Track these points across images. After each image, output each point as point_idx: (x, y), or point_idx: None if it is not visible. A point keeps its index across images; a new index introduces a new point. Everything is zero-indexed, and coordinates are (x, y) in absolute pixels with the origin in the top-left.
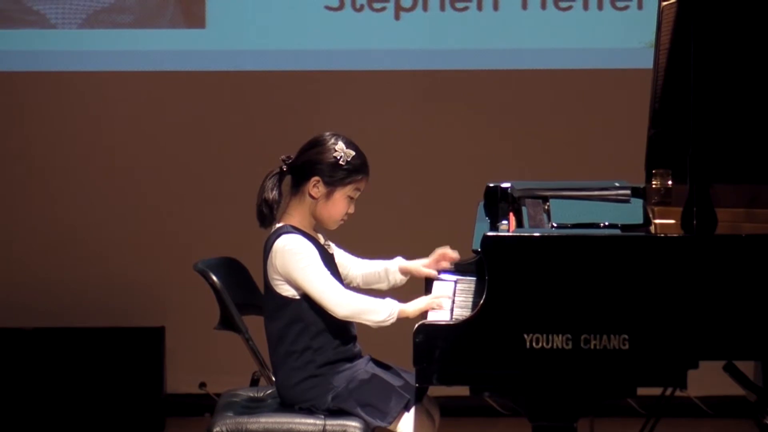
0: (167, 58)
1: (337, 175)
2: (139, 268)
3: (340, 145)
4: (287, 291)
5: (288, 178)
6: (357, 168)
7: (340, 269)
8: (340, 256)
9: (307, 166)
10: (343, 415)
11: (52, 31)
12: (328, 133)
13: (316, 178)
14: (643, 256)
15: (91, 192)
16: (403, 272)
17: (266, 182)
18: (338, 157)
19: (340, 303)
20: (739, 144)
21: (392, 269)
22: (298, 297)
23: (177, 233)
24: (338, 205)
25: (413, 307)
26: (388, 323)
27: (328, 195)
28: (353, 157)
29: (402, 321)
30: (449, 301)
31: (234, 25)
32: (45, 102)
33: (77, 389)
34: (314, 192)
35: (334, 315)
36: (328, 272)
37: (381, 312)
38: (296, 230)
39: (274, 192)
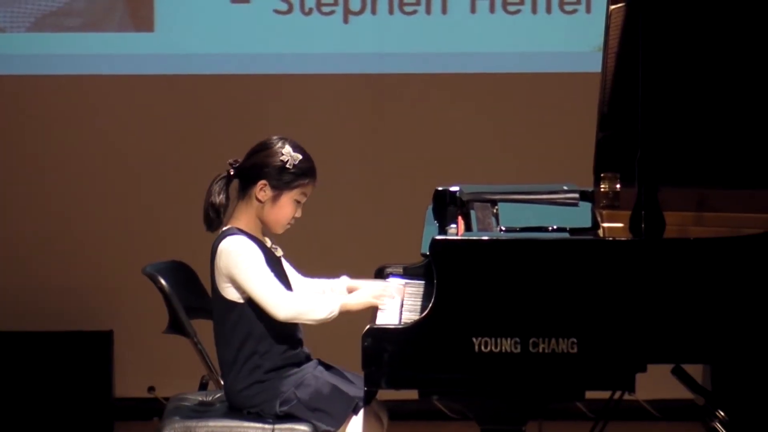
0: (115, 62)
1: (283, 179)
2: (87, 272)
3: (287, 149)
4: (232, 294)
5: (236, 182)
6: (304, 172)
7: None
8: (287, 269)
9: (254, 169)
10: (291, 419)
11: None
12: (275, 137)
13: (263, 181)
14: (591, 259)
15: (37, 196)
16: (349, 291)
17: (213, 186)
18: (285, 161)
19: (280, 305)
20: (688, 147)
21: (337, 289)
22: (242, 301)
23: (125, 237)
24: (285, 209)
25: (356, 300)
26: (329, 320)
27: (275, 199)
28: (300, 160)
29: (351, 324)
30: (396, 294)
31: (182, 28)
32: None
33: (24, 394)
34: (261, 195)
35: (274, 317)
36: (271, 274)
37: (321, 310)
38: (241, 232)
39: (221, 196)
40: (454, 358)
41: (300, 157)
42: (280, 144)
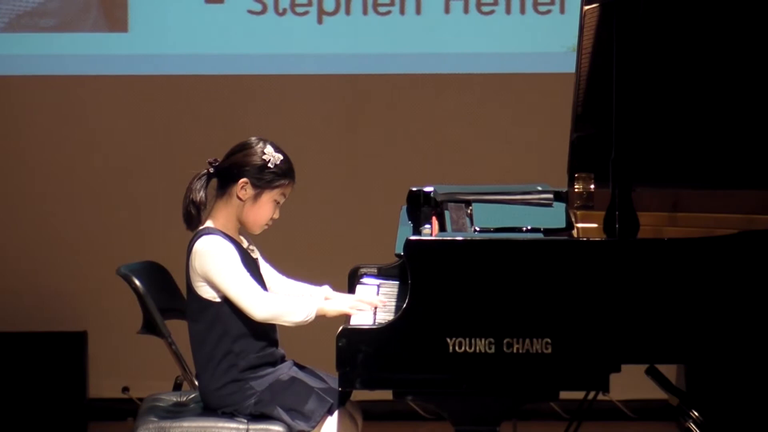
0: (90, 62)
1: (265, 178)
2: (61, 273)
3: (269, 149)
4: (208, 293)
5: (213, 182)
6: (284, 172)
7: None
8: (266, 270)
9: (234, 168)
10: (266, 419)
11: None
12: (254, 138)
13: (244, 179)
14: (565, 259)
15: (11, 196)
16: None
17: (194, 184)
18: (267, 160)
19: (257, 305)
20: (662, 148)
21: (316, 296)
22: (218, 300)
23: (99, 237)
24: (264, 209)
25: (332, 307)
26: (306, 323)
27: (256, 197)
28: (281, 161)
29: (326, 325)
30: (371, 306)
31: (157, 29)
32: None
33: None
34: (242, 194)
35: (251, 317)
36: (248, 274)
37: (298, 312)
38: (218, 232)
39: (201, 193)
40: (429, 358)
41: (281, 157)
42: (261, 144)
